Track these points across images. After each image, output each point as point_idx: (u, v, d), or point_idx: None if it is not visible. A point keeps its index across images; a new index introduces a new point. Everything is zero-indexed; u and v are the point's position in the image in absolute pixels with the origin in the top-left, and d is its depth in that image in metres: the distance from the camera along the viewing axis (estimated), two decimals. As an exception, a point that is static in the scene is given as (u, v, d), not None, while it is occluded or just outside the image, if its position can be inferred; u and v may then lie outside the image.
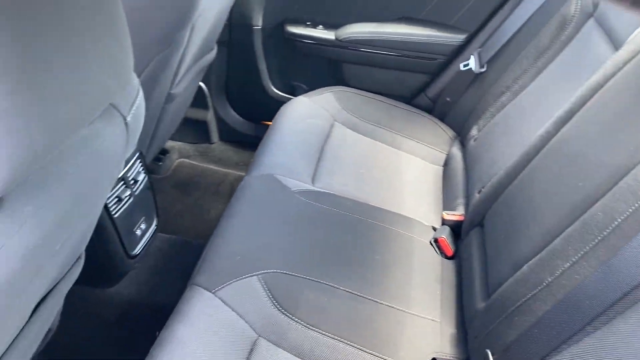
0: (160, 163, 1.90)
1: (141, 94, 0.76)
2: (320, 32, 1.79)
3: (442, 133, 1.66)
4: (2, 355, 0.70)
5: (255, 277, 1.02)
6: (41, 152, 0.47)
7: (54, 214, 0.56)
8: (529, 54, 1.42)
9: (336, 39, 1.77)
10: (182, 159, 1.99)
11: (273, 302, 0.99)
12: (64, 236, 0.63)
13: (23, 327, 0.73)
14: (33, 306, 0.73)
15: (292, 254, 1.10)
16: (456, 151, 1.56)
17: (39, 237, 0.54)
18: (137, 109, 0.73)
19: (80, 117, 0.54)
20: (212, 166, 1.99)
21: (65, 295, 0.87)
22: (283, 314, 0.98)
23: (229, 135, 2.06)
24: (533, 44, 1.42)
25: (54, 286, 0.80)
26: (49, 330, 1.02)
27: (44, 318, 0.79)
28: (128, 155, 0.80)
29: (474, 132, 1.52)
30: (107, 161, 0.66)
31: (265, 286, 1.01)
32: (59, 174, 0.57)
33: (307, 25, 1.81)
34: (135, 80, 0.75)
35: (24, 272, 0.54)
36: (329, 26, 1.80)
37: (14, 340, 0.72)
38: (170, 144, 1.98)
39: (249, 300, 0.98)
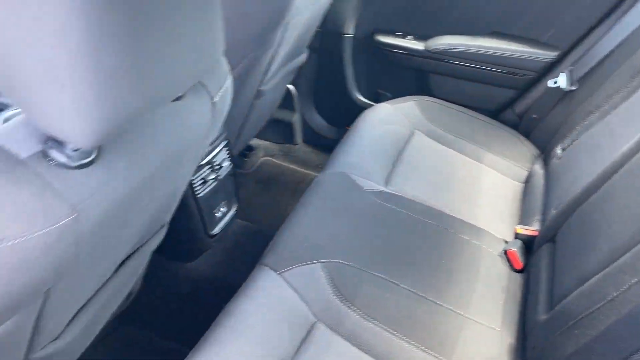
0: (246, 159, 2.00)
1: (230, 79, 0.83)
2: (409, 42, 1.82)
3: (525, 150, 1.63)
4: (88, 300, 0.79)
5: (319, 264, 1.06)
6: (136, 113, 0.54)
7: (141, 173, 0.63)
8: (622, 73, 1.38)
9: (426, 49, 1.79)
10: (266, 157, 2.08)
11: (334, 290, 1.03)
12: (149, 197, 0.71)
13: (107, 280, 0.82)
14: (118, 262, 0.82)
15: (357, 247, 1.14)
16: (538, 169, 1.53)
17: (127, 192, 0.61)
18: (224, 92, 0.80)
19: (173, 88, 0.61)
20: (293, 166, 2.07)
21: (147, 258, 0.96)
22: (342, 302, 1.01)
23: (313, 138, 2.13)
24: (627, 64, 1.37)
25: (137, 249, 0.88)
26: (130, 293, 1.12)
27: (126, 275, 0.87)
28: (214, 136, 0.87)
29: (558, 150, 1.48)
30: (192, 134, 0.74)
31: (328, 274, 1.05)
32: (150, 137, 0.64)
33: (397, 35, 1.84)
34: (225, 66, 0.82)
35: (111, 221, 0.61)
36: (418, 37, 1.82)
37: (99, 289, 0.80)
38: (256, 142, 2.08)
39: (311, 284, 1.02)
